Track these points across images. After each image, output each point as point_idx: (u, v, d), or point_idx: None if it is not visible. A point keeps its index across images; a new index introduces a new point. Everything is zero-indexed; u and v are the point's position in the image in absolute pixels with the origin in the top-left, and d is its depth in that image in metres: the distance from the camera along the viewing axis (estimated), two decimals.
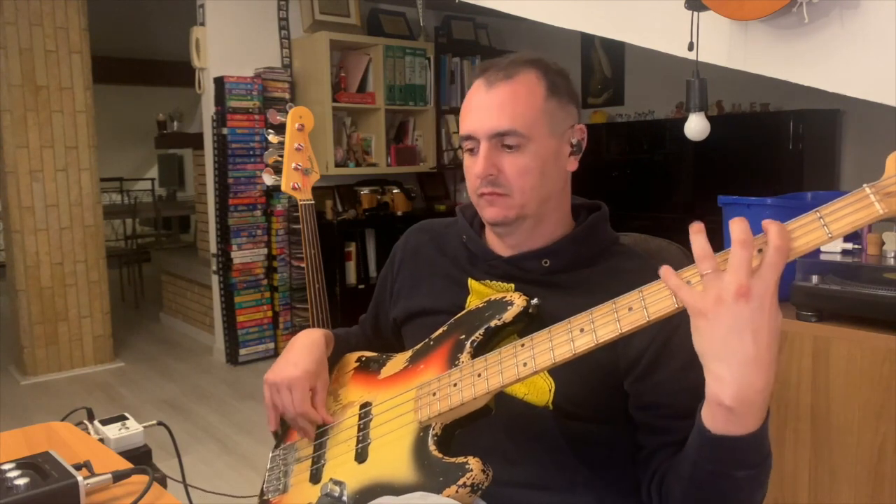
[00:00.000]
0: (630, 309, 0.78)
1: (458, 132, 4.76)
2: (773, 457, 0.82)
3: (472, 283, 1.07)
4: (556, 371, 0.95)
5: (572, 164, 1.04)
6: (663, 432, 0.94)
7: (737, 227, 0.71)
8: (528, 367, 0.85)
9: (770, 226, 0.71)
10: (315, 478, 1.04)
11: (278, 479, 1.11)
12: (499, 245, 1.06)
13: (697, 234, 0.73)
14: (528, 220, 1.01)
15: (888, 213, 0.68)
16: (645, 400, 0.96)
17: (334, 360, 1.17)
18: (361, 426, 1.03)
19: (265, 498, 1.11)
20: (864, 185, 0.69)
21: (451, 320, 1.02)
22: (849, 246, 1.75)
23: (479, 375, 0.90)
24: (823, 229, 0.70)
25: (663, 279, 0.76)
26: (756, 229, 0.72)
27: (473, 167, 1.00)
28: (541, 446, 0.98)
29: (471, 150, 1.01)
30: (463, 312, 1.02)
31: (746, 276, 0.70)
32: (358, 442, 1.01)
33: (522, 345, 0.87)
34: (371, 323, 1.28)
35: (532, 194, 0.99)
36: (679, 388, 0.92)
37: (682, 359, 0.92)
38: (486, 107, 0.99)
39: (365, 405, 1.05)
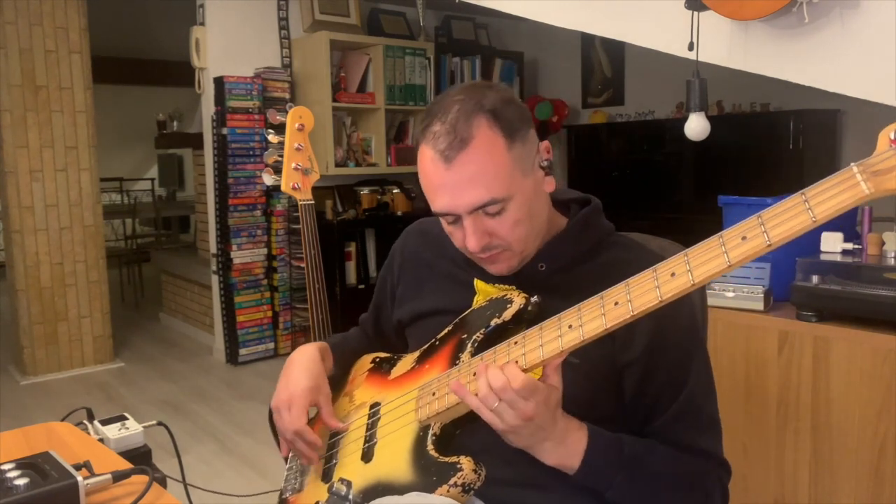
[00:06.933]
0: (616, 304, 0.79)
1: None
2: (651, 465, 0.93)
3: (478, 283, 1.06)
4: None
5: (549, 185, 1.00)
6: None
7: (482, 385, 0.84)
8: (519, 364, 0.85)
9: (488, 376, 0.84)
10: (326, 477, 1.05)
11: (295, 478, 1.13)
12: None
13: (467, 397, 0.87)
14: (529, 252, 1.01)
15: (875, 192, 0.63)
16: (645, 402, 0.97)
17: (339, 369, 1.17)
18: (369, 426, 1.04)
19: (284, 497, 1.12)
20: (852, 164, 0.65)
21: (456, 320, 1.02)
22: (849, 246, 1.75)
23: (476, 374, 0.90)
24: (808, 213, 0.66)
25: (458, 396, 0.88)
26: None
27: (460, 238, 0.97)
28: None
29: (451, 220, 0.98)
30: (467, 312, 1.02)
31: (514, 418, 0.83)
32: (365, 441, 1.02)
33: (515, 342, 0.87)
34: (372, 324, 1.28)
35: (528, 238, 0.98)
36: (672, 391, 0.96)
37: (675, 359, 0.96)
38: (453, 184, 0.92)
39: (374, 405, 1.06)
